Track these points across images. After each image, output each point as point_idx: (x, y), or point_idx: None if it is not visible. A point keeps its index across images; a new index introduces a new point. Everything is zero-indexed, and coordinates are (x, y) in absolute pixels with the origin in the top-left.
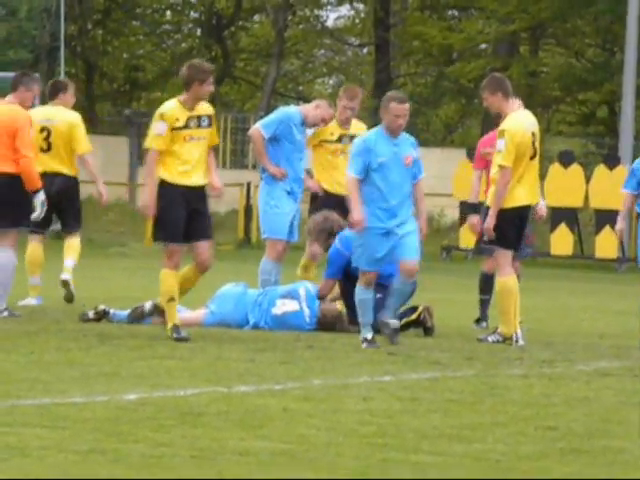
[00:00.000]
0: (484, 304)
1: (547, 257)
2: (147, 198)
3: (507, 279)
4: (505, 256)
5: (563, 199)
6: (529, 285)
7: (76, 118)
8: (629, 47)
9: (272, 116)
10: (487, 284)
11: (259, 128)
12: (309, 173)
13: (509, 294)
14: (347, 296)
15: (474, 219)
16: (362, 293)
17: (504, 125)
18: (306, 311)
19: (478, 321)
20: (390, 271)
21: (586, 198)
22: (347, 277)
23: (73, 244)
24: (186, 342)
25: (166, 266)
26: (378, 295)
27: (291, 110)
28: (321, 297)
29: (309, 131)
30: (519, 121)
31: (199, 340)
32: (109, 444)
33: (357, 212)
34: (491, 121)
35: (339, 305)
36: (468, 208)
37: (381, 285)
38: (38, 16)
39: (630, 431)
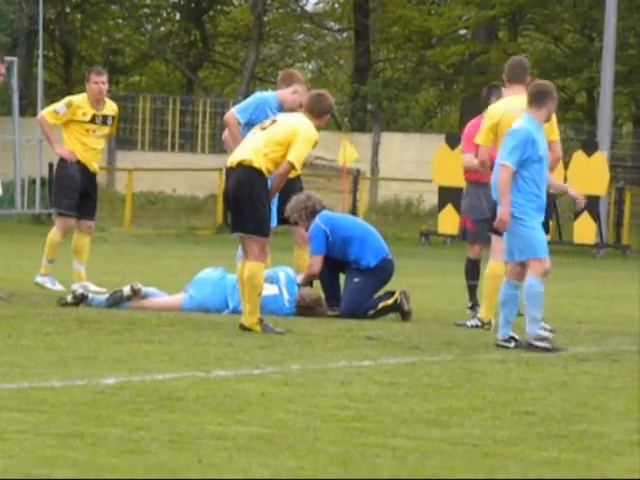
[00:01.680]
0: (473, 290)
1: None
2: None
3: (500, 265)
4: (500, 241)
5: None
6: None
7: None
8: (608, 33)
9: (248, 101)
10: (474, 270)
11: (234, 113)
12: None
13: (498, 279)
14: (324, 279)
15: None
16: (538, 285)
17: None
18: (286, 295)
19: (472, 307)
20: (369, 257)
21: (564, 183)
22: (325, 260)
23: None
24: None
25: (259, 259)
26: (356, 279)
27: (267, 94)
28: (313, 275)
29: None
30: (501, 104)
31: (178, 325)
32: (87, 428)
33: (507, 210)
34: (471, 106)
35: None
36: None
37: (358, 270)
38: (16, 0)
39: (608, 416)
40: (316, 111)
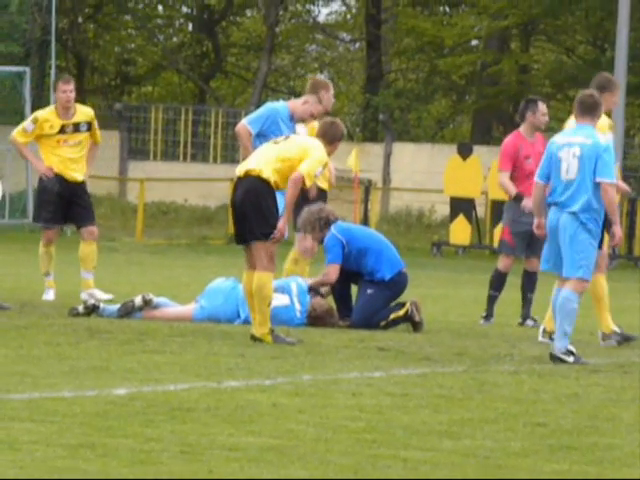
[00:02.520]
0: (492, 300)
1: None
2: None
3: (602, 278)
4: (602, 256)
5: None
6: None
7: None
8: (620, 44)
9: (259, 112)
10: (499, 282)
11: (245, 124)
12: None
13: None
14: (337, 289)
15: (527, 203)
16: (576, 301)
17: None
18: (297, 306)
19: (487, 317)
20: (384, 270)
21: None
22: (339, 272)
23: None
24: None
25: (268, 269)
26: (369, 291)
27: (278, 105)
28: (329, 282)
29: (300, 128)
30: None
31: (189, 335)
32: (98, 439)
33: (619, 228)
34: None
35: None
36: (516, 197)
37: (372, 282)
38: (29, 10)
39: (619, 428)
40: (328, 138)
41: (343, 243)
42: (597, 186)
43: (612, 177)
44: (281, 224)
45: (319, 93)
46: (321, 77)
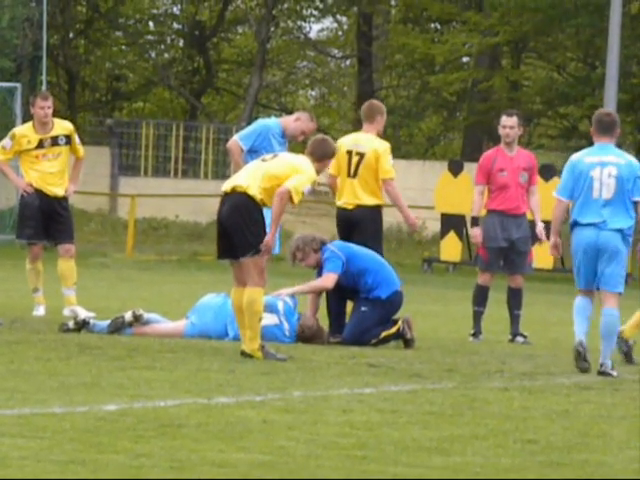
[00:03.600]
0: (478, 316)
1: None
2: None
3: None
4: None
5: (545, 213)
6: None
7: None
8: (611, 61)
9: (250, 128)
10: (481, 297)
11: (237, 140)
12: None
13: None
14: (332, 306)
15: (476, 231)
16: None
17: None
18: (285, 325)
19: (475, 334)
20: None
21: (567, 211)
22: (335, 287)
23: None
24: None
25: (258, 285)
26: (363, 308)
27: (270, 121)
28: (324, 288)
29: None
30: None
31: (179, 351)
32: (88, 455)
33: None
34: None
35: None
36: (472, 221)
37: (368, 299)
38: (20, 25)
39: (609, 445)
40: (317, 155)
41: (343, 260)
42: (632, 205)
43: None
44: (268, 238)
45: (375, 117)
46: (376, 101)
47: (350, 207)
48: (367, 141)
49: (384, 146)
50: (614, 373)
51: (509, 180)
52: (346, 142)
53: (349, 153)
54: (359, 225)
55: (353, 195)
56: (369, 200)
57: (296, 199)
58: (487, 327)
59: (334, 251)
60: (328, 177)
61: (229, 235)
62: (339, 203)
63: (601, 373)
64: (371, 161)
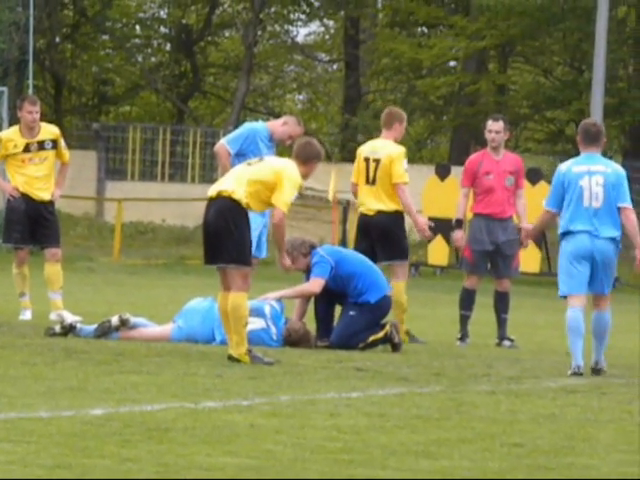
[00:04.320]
0: (464, 320)
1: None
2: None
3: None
4: None
5: (531, 217)
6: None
7: None
8: (597, 66)
9: (238, 131)
10: (468, 300)
11: (224, 144)
12: None
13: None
14: (320, 310)
15: (458, 234)
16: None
17: None
18: (272, 329)
19: (462, 338)
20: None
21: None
22: (323, 292)
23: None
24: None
25: (242, 289)
26: (352, 312)
27: (258, 125)
28: (311, 293)
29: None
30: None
31: (166, 355)
32: (75, 459)
33: None
34: (460, 139)
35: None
36: (455, 223)
37: (356, 304)
38: (7, 29)
39: (596, 448)
40: (302, 158)
41: (332, 265)
42: (618, 212)
43: (630, 202)
44: (284, 262)
45: (393, 124)
46: (396, 108)
47: (371, 213)
48: (383, 147)
49: (398, 151)
50: (606, 369)
51: (495, 183)
52: (364, 149)
53: (367, 160)
54: (381, 231)
55: (373, 201)
56: (389, 206)
57: (286, 210)
58: (474, 331)
59: (323, 256)
60: (351, 185)
61: (214, 240)
62: (361, 209)
63: (596, 371)
64: (387, 167)
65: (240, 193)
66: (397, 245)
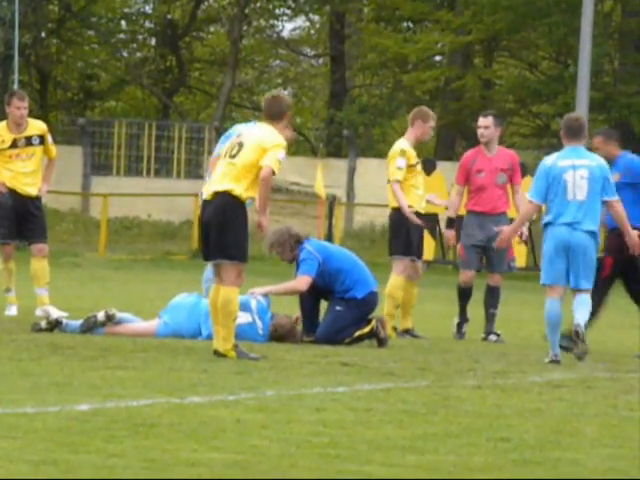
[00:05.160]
0: (463, 308)
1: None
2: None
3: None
4: None
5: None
6: (481, 297)
7: None
8: (583, 60)
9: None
10: (465, 298)
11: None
12: None
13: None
14: (306, 305)
15: (450, 234)
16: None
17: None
18: (259, 323)
19: (459, 324)
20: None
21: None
22: (310, 287)
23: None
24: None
25: (235, 284)
26: (338, 308)
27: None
28: (297, 291)
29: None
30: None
31: (152, 351)
32: (61, 455)
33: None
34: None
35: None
36: (447, 222)
37: (343, 299)
38: None
39: (582, 443)
40: (273, 113)
41: (319, 261)
42: (601, 205)
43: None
44: (264, 220)
45: (414, 122)
46: (421, 107)
47: (390, 211)
48: (393, 146)
49: (394, 149)
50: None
51: (486, 182)
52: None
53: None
54: (391, 227)
55: (390, 198)
56: (391, 202)
57: (277, 170)
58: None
59: (311, 252)
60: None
61: (213, 235)
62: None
63: (576, 333)
64: (388, 165)
65: (239, 188)
66: (392, 240)
